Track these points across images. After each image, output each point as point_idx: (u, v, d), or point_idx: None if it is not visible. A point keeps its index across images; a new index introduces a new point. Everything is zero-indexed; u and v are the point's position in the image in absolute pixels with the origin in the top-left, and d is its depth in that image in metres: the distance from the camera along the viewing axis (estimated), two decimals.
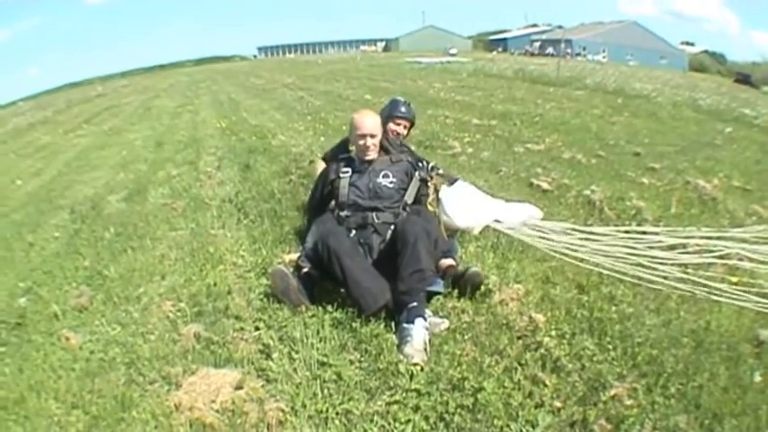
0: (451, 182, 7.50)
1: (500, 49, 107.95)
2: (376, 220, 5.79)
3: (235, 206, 8.90)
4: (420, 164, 6.95)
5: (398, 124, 7.51)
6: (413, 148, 8.08)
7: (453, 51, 79.48)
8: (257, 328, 5.05)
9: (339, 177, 6.17)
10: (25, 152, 20.41)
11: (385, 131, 7.05)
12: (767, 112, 23.09)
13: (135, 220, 8.90)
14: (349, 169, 6.20)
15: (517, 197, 8.14)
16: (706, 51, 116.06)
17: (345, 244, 5.37)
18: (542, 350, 4.48)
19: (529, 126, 16.32)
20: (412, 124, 7.82)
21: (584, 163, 11.43)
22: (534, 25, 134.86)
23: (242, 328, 5.08)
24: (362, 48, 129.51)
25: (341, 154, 7.22)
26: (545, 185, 9.44)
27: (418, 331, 4.62)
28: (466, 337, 4.74)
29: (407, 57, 67.74)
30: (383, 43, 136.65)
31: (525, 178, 10.03)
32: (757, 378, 4.15)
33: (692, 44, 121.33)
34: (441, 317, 5.07)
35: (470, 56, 74.48)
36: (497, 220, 7.00)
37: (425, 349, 4.51)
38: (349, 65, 55.83)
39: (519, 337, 4.72)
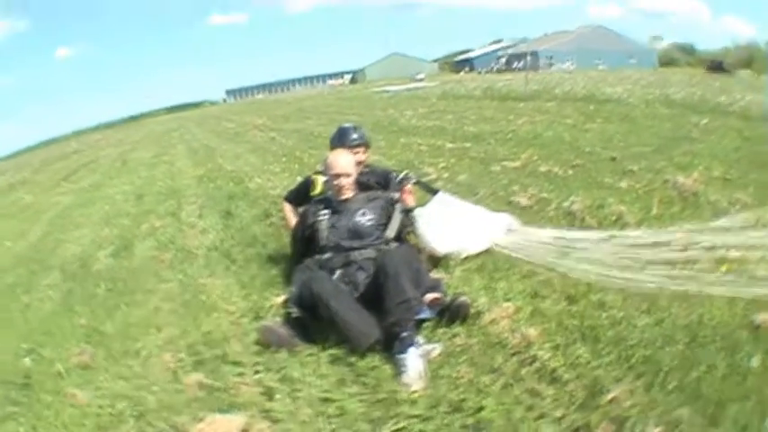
0: (431, 192, 7.58)
1: (467, 69, 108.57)
2: (359, 257, 5.91)
3: (221, 253, 8.97)
4: (391, 176, 7.38)
5: (356, 152, 7.42)
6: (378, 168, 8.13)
7: (420, 77, 79.95)
8: (257, 372, 5.09)
9: (318, 220, 6.33)
10: (8, 213, 20.52)
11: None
12: (742, 98, 23.23)
13: (124, 275, 8.99)
14: (327, 211, 6.35)
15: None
16: (675, 44, 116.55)
17: (328, 287, 5.45)
18: (538, 363, 4.55)
19: (503, 144, 16.45)
20: (367, 147, 7.79)
21: (561, 175, 11.50)
22: (499, 41, 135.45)
23: (242, 373, 5.13)
24: (330, 82, 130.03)
25: (304, 193, 7.57)
26: (524, 201, 9.49)
27: (412, 360, 4.68)
28: (461, 359, 4.80)
29: (375, 87, 68.41)
30: (350, 75, 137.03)
31: (503, 197, 10.09)
32: (755, 362, 4.21)
33: (661, 38, 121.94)
34: (433, 342, 5.13)
35: (437, 79, 74.88)
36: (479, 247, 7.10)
37: (422, 376, 4.57)
38: (317, 101, 56.00)
39: (513, 354, 4.77)
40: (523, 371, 4.49)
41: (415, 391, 4.39)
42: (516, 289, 6.06)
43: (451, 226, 7.13)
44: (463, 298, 5.52)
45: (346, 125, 8.02)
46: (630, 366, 4.36)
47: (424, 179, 9.89)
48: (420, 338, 5.07)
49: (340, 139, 7.58)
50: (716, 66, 65.53)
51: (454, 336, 5.21)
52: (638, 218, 8.02)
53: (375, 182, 7.26)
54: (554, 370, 4.42)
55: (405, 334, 4.89)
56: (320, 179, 7.53)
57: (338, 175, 6.37)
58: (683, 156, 12.09)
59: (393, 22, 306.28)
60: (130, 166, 27.05)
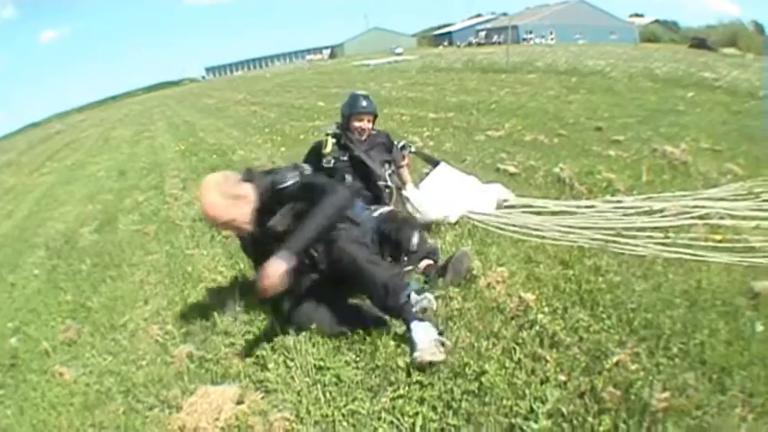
0: (431, 163, 7.63)
1: (446, 43, 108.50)
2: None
3: (206, 225, 8.76)
4: (393, 140, 7.46)
5: (362, 120, 7.30)
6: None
7: (399, 50, 79.91)
8: (248, 341, 5.06)
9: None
10: None
11: (348, 129, 7.21)
12: (728, 74, 23.36)
13: (109, 249, 8.98)
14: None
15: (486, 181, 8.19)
16: (657, 21, 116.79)
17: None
18: (537, 327, 4.48)
19: (486, 114, 16.49)
20: (375, 117, 7.57)
21: (548, 143, 11.54)
22: (478, 15, 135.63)
23: (233, 343, 5.09)
24: (308, 57, 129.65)
25: (315, 156, 7.27)
26: (512, 169, 9.49)
27: (418, 333, 4.42)
28: (459, 323, 4.73)
29: (354, 61, 68.45)
30: (329, 50, 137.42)
31: (491, 164, 10.11)
32: (759, 328, 4.18)
33: (642, 15, 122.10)
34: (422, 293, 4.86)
35: (416, 53, 74.84)
36: (471, 211, 7.08)
37: (436, 343, 4.31)
38: (297, 75, 55.93)
39: (512, 318, 4.72)
40: (523, 334, 4.42)
41: (434, 362, 4.19)
42: (509, 253, 6.06)
43: (448, 195, 7.19)
44: (463, 249, 5.50)
45: (358, 92, 7.77)
46: (632, 330, 4.32)
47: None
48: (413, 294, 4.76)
49: (350, 106, 7.41)
50: (699, 43, 65.72)
51: (450, 299, 5.14)
52: (627, 185, 8.06)
53: (381, 142, 7.34)
54: (554, 334, 4.36)
55: (403, 315, 4.61)
56: (330, 140, 7.34)
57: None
58: (670, 127, 12.23)
59: None
60: (112, 144, 27.20)
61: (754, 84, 19.97)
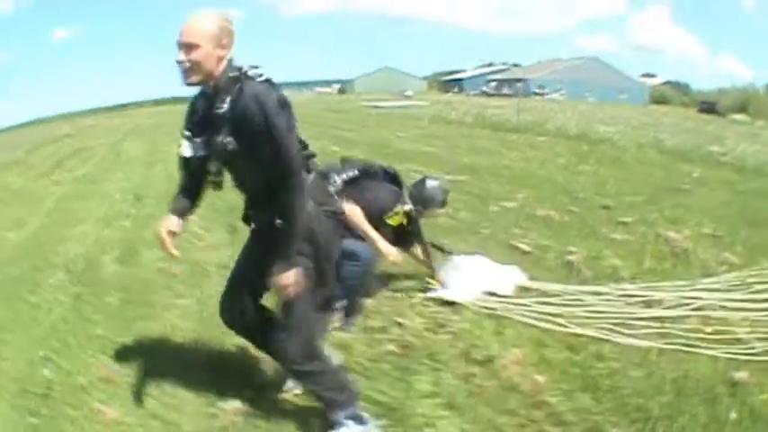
0: (444, 252, 7.99)
1: (456, 90, 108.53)
2: None
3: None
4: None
5: (437, 216, 7.67)
6: None
7: (409, 93, 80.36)
8: (296, 395, 5.22)
9: None
10: (2, 198, 19.37)
11: (421, 214, 7.25)
12: (736, 146, 24.13)
13: (136, 285, 8.92)
14: None
15: (501, 260, 8.56)
16: (668, 82, 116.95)
17: None
18: (547, 408, 5.05)
19: (497, 178, 16.91)
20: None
21: (558, 220, 11.91)
22: (490, 65, 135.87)
23: (280, 397, 5.27)
24: (317, 90, 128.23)
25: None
26: (525, 247, 9.83)
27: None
28: (479, 399, 5.22)
29: (364, 100, 68.63)
30: (338, 85, 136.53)
31: (504, 240, 10.42)
32: (733, 415, 4.80)
33: (654, 75, 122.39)
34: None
35: (426, 97, 74.64)
36: (489, 293, 7.52)
37: None
38: (309, 110, 52.77)
39: (526, 397, 5.24)
40: (536, 413, 4.99)
41: None
42: (524, 335, 6.53)
43: (467, 278, 7.56)
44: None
45: (444, 189, 7.51)
46: (625, 413, 4.93)
47: None
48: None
49: (443, 204, 7.50)
50: (708, 107, 66.10)
51: (472, 376, 5.63)
52: (632, 272, 8.55)
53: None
54: (562, 414, 4.94)
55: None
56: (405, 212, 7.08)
57: None
58: (675, 209, 12.69)
59: (383, 35, 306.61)
60: (123, 160, 26.90)
61: (760, 158, 20.73)
